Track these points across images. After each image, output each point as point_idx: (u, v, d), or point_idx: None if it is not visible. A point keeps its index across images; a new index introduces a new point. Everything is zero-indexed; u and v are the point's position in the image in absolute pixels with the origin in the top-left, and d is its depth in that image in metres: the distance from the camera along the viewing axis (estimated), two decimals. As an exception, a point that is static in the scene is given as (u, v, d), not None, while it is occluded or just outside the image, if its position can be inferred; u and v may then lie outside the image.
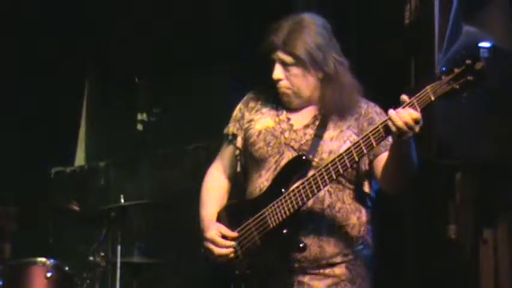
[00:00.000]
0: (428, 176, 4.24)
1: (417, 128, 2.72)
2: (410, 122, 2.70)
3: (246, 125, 3.17)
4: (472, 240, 4.22)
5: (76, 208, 5.15)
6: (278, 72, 3.04)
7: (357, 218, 3.03)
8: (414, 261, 4.44)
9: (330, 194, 2.98)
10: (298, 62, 3.00)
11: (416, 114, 2.70)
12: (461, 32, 3.96)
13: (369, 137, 2.79)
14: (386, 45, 4.43)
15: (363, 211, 3.05)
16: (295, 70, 3.02)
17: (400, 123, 2.70)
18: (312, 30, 3.01)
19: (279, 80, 3.04)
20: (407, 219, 4.42)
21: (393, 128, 2.72)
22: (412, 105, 2.71)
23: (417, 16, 4.34)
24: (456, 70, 2.67)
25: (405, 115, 2.70)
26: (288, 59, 3.01)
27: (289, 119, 3.09)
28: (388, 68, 4.34)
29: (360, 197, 3.05)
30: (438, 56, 4.02)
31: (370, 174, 3.04)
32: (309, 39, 3.00)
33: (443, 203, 4.30)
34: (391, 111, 2.74)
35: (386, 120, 2.76)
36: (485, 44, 3.78)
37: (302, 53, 2.99)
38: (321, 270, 2.98)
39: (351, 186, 3.04)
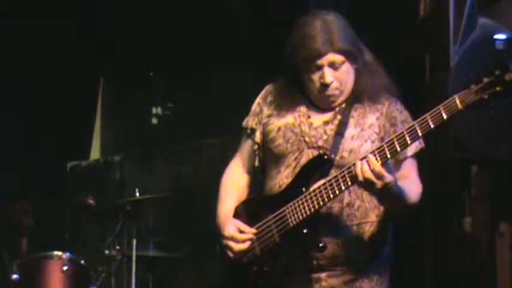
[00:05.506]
0: (444, 170, 4.23)
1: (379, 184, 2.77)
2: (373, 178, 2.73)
3: (265, 120, 3.14)
4: (487, 233, 4.21)
5: (92, 202, 5.17)
6: (330, 75, 2.97)
7: (376, 215, 3.00)
8: (430, 255, 4.44)
9: (349, 192, 2.95)
10: (349, 57, 2.97)
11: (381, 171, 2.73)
12: (477, 24, 3.94)
13: (394, 142, 2.78)
14: (401, 42, 4.41)
15: (382, 208, 3.01)
16: (344, 67, 2.98)
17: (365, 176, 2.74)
18: (342, 24, 2.99)
19: (329, 84, 2.98)
20: (424, 213, 4.41)
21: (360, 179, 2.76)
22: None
23: (432, 8, 4.32)
24: (485, 80, 2.65)
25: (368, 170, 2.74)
26: (339, 58, 2.96)
27: (309, 116, 3.06)
28: (403, 64, 4.32)
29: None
30: (453, 48, 4.00)
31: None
32: (348, 32, 2.99)
33: (459, 196, 4.29)
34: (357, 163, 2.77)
35: (413, 126, 2.76)
36: (500, 36, 3.76)
37: (350, 47, 2.97)
38: (339, 267, 2.97)
39: (370, 184, 3.02)
